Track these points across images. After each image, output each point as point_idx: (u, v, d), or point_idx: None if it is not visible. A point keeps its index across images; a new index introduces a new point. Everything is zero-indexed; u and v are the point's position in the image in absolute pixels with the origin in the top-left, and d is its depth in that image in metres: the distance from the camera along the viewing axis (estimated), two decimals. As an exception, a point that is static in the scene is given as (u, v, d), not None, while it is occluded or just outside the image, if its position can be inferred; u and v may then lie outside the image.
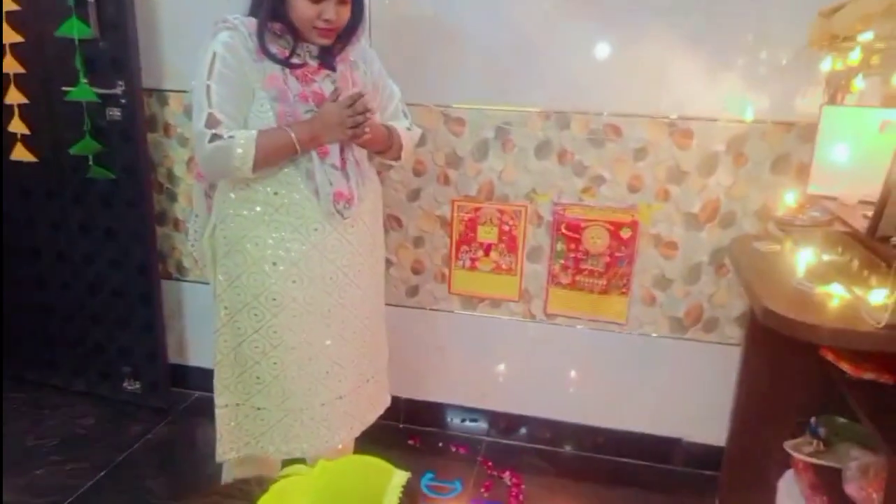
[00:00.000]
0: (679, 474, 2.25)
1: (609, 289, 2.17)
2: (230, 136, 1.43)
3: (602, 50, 1.97)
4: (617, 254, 2.13)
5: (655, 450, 2.27)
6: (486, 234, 2.22)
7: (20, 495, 2.05)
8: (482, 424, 2.42)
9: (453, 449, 2.36)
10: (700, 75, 1.92)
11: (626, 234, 2.10)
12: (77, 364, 2.59)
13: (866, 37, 1.40)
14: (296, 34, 1.50)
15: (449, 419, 2.45)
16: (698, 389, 2.18)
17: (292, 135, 1.47)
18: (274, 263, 1.56)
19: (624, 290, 2.16)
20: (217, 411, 1.71)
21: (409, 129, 1.75)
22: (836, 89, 1.67)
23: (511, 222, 2.19)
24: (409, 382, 2.41)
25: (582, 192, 2.10)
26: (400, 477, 0.98)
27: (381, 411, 1.88)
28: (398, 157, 1.73)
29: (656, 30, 1.91)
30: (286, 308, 1.59)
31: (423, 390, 2.43)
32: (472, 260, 2.26)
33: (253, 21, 1.49)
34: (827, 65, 1.59)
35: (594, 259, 2.15)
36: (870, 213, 1.43)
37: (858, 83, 1.55)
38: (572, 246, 2.15)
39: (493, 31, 2.03)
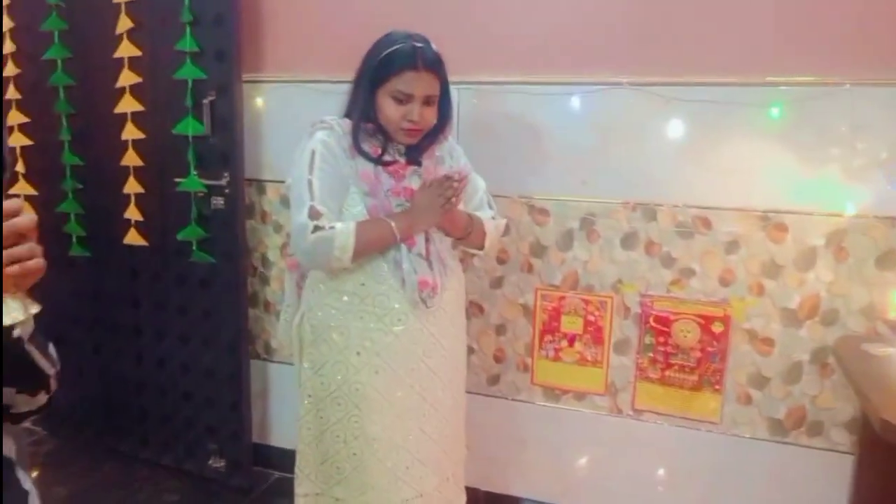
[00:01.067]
0: None
1: (701, 385, 2.07)
2: (331, 227, 1.50)
3: (687, 142, 1.97)
4: (709, 349, 2.04)
5: (755, 563, 2.09)
6: (571, 325, 2.19)
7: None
8: (565, 523, 2.31)
9: (534, 547, 2.26)
10: (793, 167, 1.88)
11: (717, 328, 2.02)
12: (167, 439, 2.68)
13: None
14: (386, 134, 1.58)
15: (530, 515, 2.36)
16: (802, 498, 2.01)
17: (392, 224, 1.53)
18: (358, 353, 1.60)
19: (717, 386, 2.06)
20: (297, 500, 1.71)
21: (493, 218, 1.78)
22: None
23: (596, 313, 2.16)
24: (489, 474, 2.35)
25: (670, 285, 2.06)
26: None
27: None
28: (482, 246, 1.75)
29: (745, 122, 1.90)
30: (368, 398, 1.60)
31: (503, 483, 2.36)
32: (556, 350, 2.22)
33: (347, 122, 1.59)
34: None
35: (684, 354, 2.07)
36: None
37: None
38: (661, 339, 2.09)
39: (576, 128, 2.07)
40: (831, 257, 1.88)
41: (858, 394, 1.56)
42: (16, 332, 0.82)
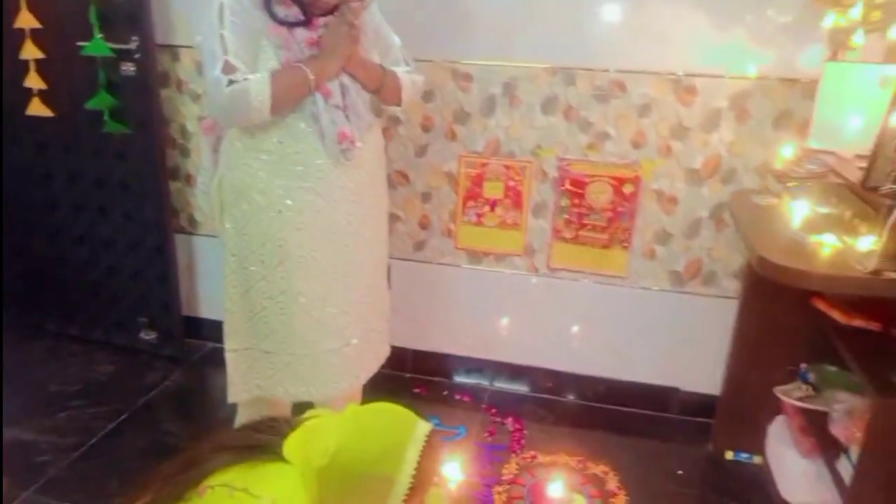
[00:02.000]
0: (675, 422, 2.34)
1: (611, 243, 2.23)
2: (245, 79, 1.48)
3: (609, 7, 2.00)
4: (619, 209, 2.18)
5: (653, 399, 2.36)
6: (493, 190, 2.28)
7: (47, 435, 2.15)
8: (486, 375, 2.51)
9: (458, 397, 2.45)
10: (705, 32, 1.95)
11: (628, 189, 2.16)
12: (94, 314, 2.68)
13: (868, -8, 1.43)
14: (301, 3, 1.54)
15: (454, 369, 2.53)
16: (695, 341, 2.25)
17: (305, 69, 1.52)
18: (280, 211, 1.62)
19: (625, 244, 2.22)
20: (227, 355, 1.78)
21: (408, 72, 1.78)
22: (838, 46, 1.70)
23: (517, 178, 2.24)
24: (416, 334, 2.49)
25: (587, 149, 2.15)
26: (424, 427, 1.04)
27: (382, 361, 1.94)
28: (398, 101, 1.76)
29: (663, -14, 1.94)
30: (292, 255, 1.65)
31: (429, 342, 2.52)
32: (478, 216, 2.32)
33: None
34: (829, 21, 1.62)
35: (597, 214, 2.20)
36: (863, 165, 1.48)
37: (858, 39, 1.58)
38: (576, 201, 2.21)
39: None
40: (734, 119, 2.01)
41: (743, 239, 1.72)
42: None
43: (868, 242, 1.32)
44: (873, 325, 1.64)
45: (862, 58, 1.64)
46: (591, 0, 2.01)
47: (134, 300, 2.60)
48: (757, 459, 2.09)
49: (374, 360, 1.91)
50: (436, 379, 2.53)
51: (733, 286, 2.16)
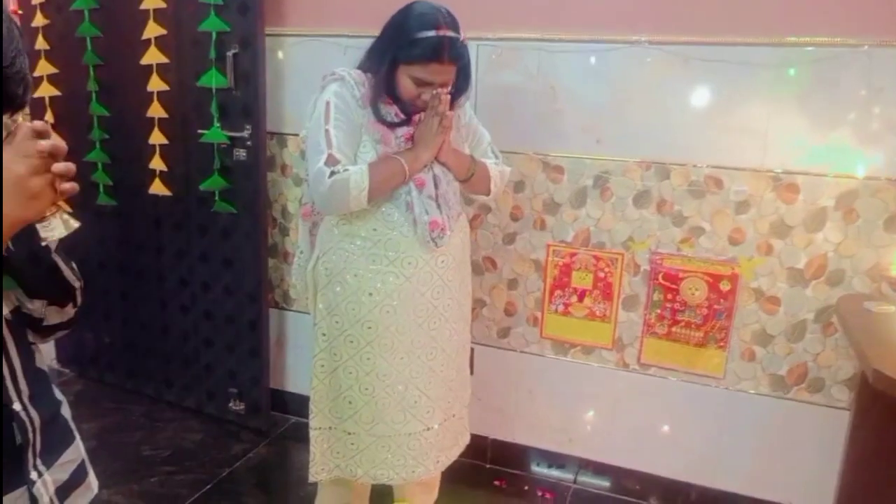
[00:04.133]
0: (776, 541, 2.15)
1: (706, 342, 2.13)
2: (346, 170, 1.57)
3: (703, 102, 1.99)
4: (715, 306, 2.09)
5: (751, 512, 2.18)
6: (581, 280, 2.25)
7: (135, 500, 2.23)
8: (568, 470, 2.40)
9: (539, 493, 2.35)
10: (807, 129, 1.90)
11: (725, 286, 2.07)
12: (189, 383, 2.80)
13: None
14: (401, 103, 1.65)
15: (535, 463, 2.45)
16: (801, 453, 2.08)
17: (401, 160, 1.61)
18: (370, 294, 1.68)
19: (722, 343, 2.11)
20: (311, 433, 1.82)
21: (496, 164, 1.84)
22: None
23: (607, 269, 2.21)
24: (498, 423, 2.44)
25: (680, 243, 2.10)
26: None
27: (462, 448, 1.94)
28: (487, 191, 1.81)
29: (761, 82, 1.91)
30: (380, 336, 1.70)
31: (511, 432, 2.45)
32: (566, 305, 2.29)
33: (359, 73, 1.65)
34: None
35: (692, 311, 2.12)
36: None
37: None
38: (669, 296, 2.14)
39: (593, 85, 2.09)
40: (840, 218, 1.91)
41: (856, 348, 1.60)
42: (44, 242, 0.84)
43: None
44: None
45: None
46: (683, 97, 2.00)
47: (226, 371, 2.71)
48: None
49: (454, 447, 1.90)
50: (516, 472, 2.45)
51: (844, 396, 2.00)
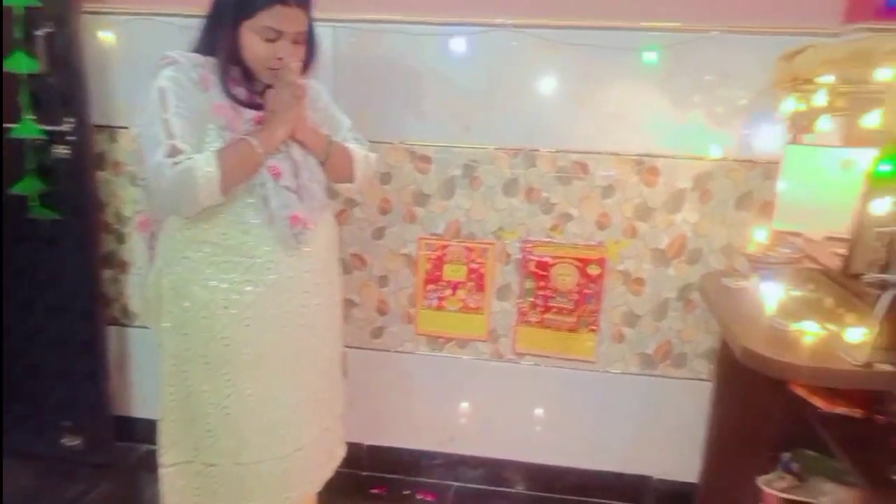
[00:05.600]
0: (651, 513, 2.23)
1: (578, 326, 2.15)
2: (190, 158, 1.36)
3: (568, 87, 1.99)
4: (586, 291, 2.12)
5: (627, 489, 2.24)
6: (454, 273, 2.18)
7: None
8: (450, 470, 2.34)
9: (420, 497, 2.27)
10: (665, 112, 1.95)
11: (594, 271, 2.10)
12: (11, 420, 2.39)
13: (827, 79, 1.45)
14: (251, 75, 1.47)
15: (415, 465, 2.36)
16: (669, 426, 2.17)
17: (251, 140, 1.42)
18: (225, 307, 1.49)
19: (593, 327, 2.14)
20: (162, 471, 1.60)
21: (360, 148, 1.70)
22: (799, 129, 1.72)
23: (479, 260, 2.16)
24: (374, 428, 2.33)
25: (550, 230, 2.10)
26: None
27: (338, 461, 1.80)
28: (350, 176, 1.66)
29: (622, 67, 1.94)
30: (240, 354, 1.51)
31: (388, 436, 2.35)
32: (440, 299, 2.21)
33: (195, 55, 1.45)
34: (790, 105, 1.64)
35: (563, 297, 2.13)
36: (839, 250, 1.46)
37: (825, 124, 1.59)
38: (541, 284, 2.13)
39: (459, 71, 2.02)
40: (697, 199, 1.99)
41: (721, 325, 1.67)
42: None
43: (858, 333, 1.28)
44: (856, 412, 1.59)
45: (823, 140, 1.65)
46: (548, 82, 1.99)
47: (58, 401, 2.34)
48: (741, 553, 1.98)
49: (329, 462, 1.77)
50: (396, 476, 2.35)
51: (704, 368, 2.10)
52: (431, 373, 2.27)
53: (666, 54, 1.91)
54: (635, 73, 1.94)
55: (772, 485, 1.81)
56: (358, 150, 1.67)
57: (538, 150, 2.04)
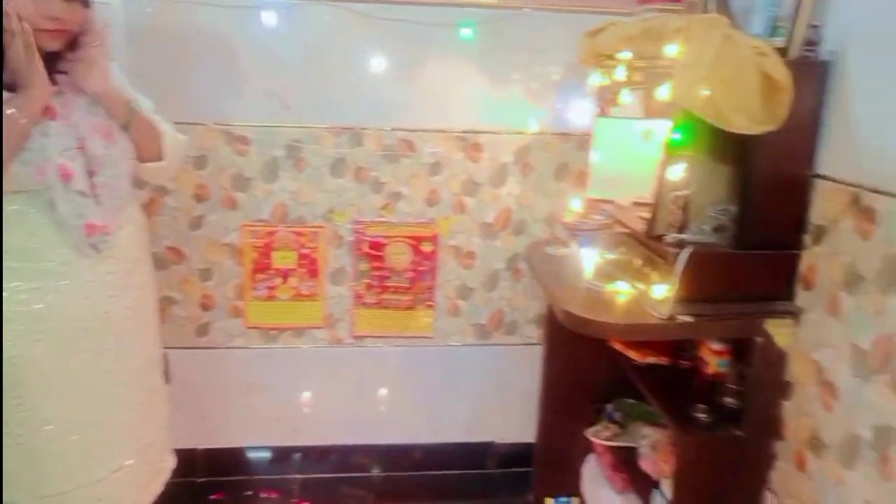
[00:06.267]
0: (495, 476, 2.32)
1: (415, 304, 2.15)
2: None
3: (388, 63, 1.95)
4: (420, 268, 2.12)
5: (470, 456, 2.31)
6: (283, 260, 2.08)
7: None
8: (293, 463, 2.26)
9: (264, 496, 2.17)
10: (485, 88, 1.99)
11: (427, 248, 2.11)
12: None
13: (626, 55, 1.55)
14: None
15: (256, 464, 2.25)
16: (507, 391, 2.26)
17: (7, 110, 1.20)
18: (9, 321, 1.29)
19: (429, 303, 2.16)
20: None
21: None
22: (606, 102, 1.83)
23: (310, 245, 2.08)
24: (206, 431, 2.18)
25: (381, 209, 2.07)
26: None
27: (167, 475, 1.65)
28: (159, 154, 1.48)
29: (441, 43, 1.94)
30: (32, 374, 1.32)
31: (223, 437, 2.21)
32: (270, 289, 2.10)
33: None
34: (596, 80, 1.74)
35: (398, 276, 2.12)
36: (644, 214, 1.58)
37: (626, 97, 1.71)
38: (375, 264, 2.11)
39: (273, 47, 1.91)
40: (519, 172, 2.07)
41: (546, 292, 1.75)
42: None
43: (662, 290, 1.39)
44: (663, 360, 1.75)
45: (627, 113, 1.78)
46: (367, 58, 1.94)
47: None
48: (576, 502, 2.13)
49: (156, 479, 1.61)
50: (235, 478, 2.22)
51: (534, 333, 2.21)
52: (267, 366, 2.17)
53: (482, 31, 1.94)
54: (454, 49, 1.95)
55: (599, 435, 1.96)
56: (166, 126, 1.50)
57: (365, 129, 1.99)
